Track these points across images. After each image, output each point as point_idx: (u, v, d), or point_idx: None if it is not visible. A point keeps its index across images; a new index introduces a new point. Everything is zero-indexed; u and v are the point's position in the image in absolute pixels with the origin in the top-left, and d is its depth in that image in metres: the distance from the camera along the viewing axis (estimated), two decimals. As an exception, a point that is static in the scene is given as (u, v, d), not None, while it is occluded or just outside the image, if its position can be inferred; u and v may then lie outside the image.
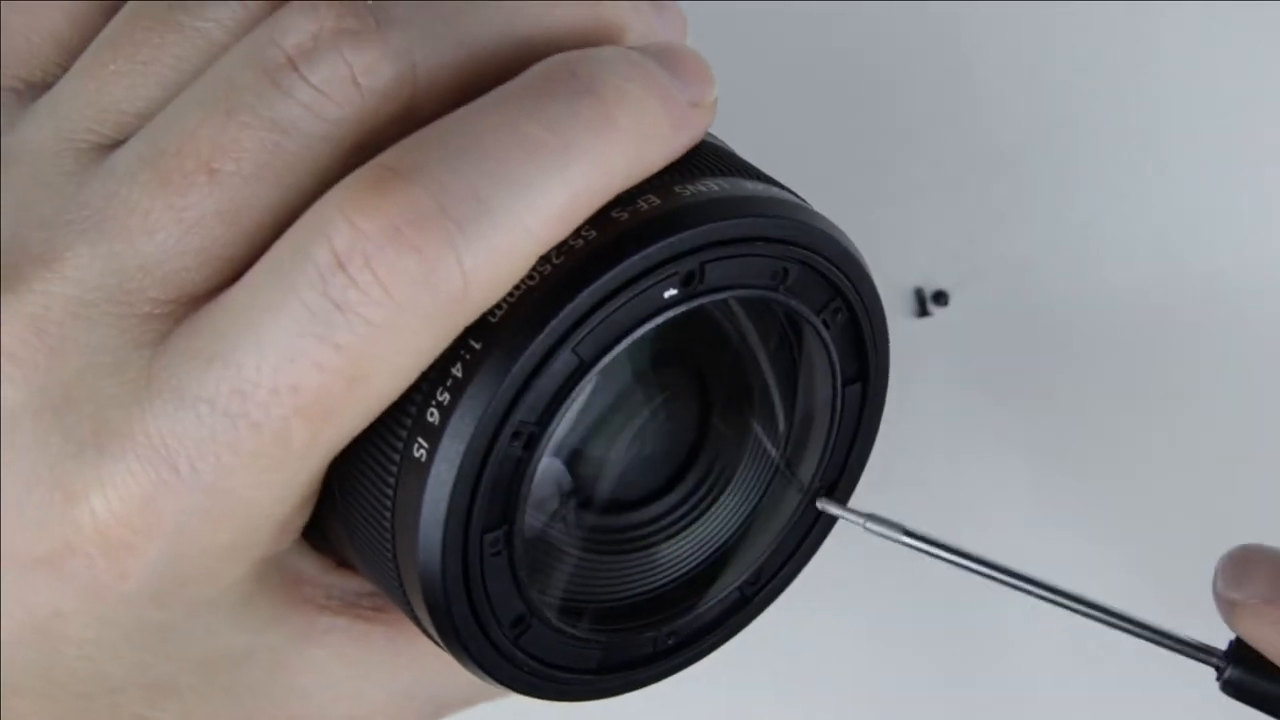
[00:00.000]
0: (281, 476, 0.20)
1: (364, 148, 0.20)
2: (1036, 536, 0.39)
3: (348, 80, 0.20)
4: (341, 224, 0.19)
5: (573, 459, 0.23)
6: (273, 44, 0.20)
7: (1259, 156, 0.43)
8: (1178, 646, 0.23)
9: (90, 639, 0.21)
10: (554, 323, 0.20)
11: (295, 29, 0.20)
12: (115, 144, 0.21)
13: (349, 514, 0.21)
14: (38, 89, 0.23)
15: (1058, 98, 0.43)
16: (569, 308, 0.20)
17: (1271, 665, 0.22)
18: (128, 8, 0.22)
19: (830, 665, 0.40)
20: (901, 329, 0.41)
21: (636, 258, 0.20)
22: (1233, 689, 0.22)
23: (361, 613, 0.25)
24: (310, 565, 0.24)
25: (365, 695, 0.25)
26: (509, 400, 0.20)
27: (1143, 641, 0.23)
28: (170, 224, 0.20)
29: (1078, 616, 0.37)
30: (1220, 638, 0.23)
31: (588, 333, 0.20)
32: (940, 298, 0.42)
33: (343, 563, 0.24)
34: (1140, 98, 0.43)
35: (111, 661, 0.22)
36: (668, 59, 0.21)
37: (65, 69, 0.23)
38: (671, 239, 0.20)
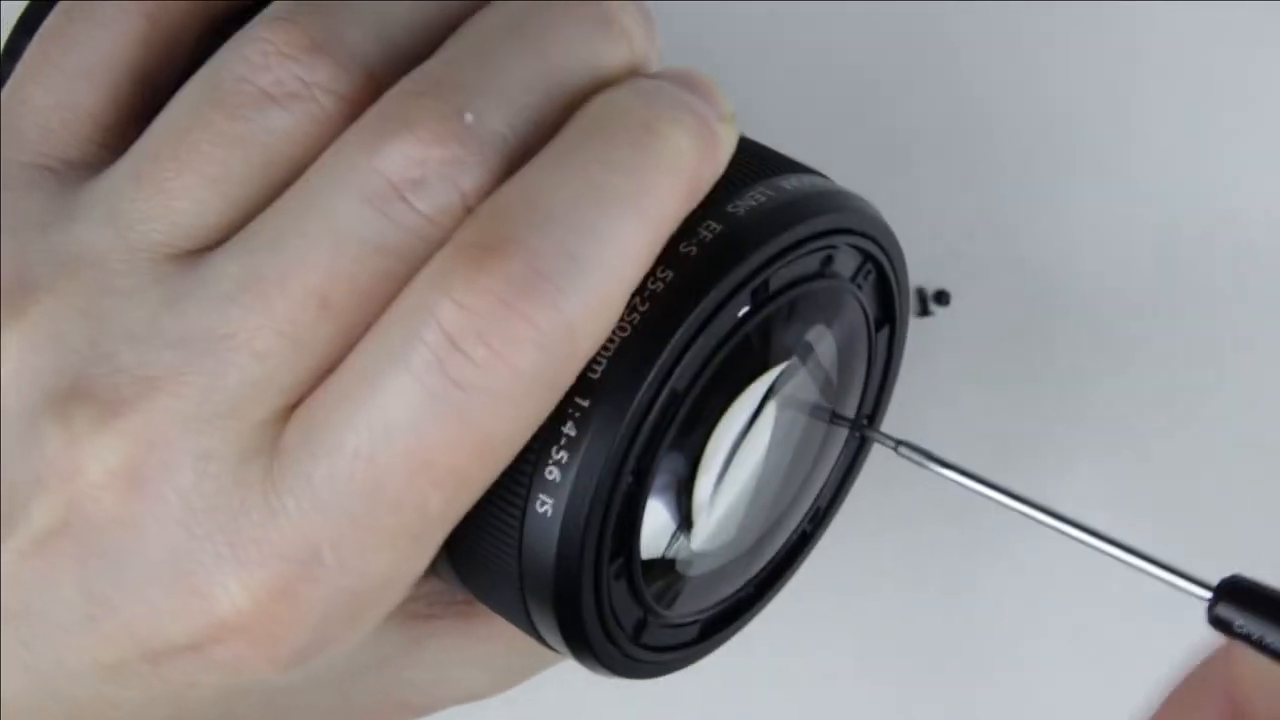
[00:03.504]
0: (420, 544, 0.21)
1: None
2: (1036, 535, 0.39)
3: (460, 208, 0.21)
4: (448, 305, 0.20)
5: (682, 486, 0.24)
6: (374, 171, 0.20)
7: (1260, 155, 0.43)
8: (1170, 577, 0.24)
9: (224, 697, 0.22)
10: (654, 372, 0.21)
11: (397, 155, 0.20)
12: (190, 253, 0.22)
13: (462, 554, 0.23)
14: (78, 168, 0.23)
15: (1058, 97, 0.43)
16: (664, 355, 0.21)
17: (1262, 603, 0.23)
18: (179, 111, 0.22)
19: (824, 661, 0.40)
20: (902, 328, 0.42)
21: (715, 292, 0.22)
22: (1221, 625, 0.23)
23: (460, 608, 0.26)
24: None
25: (468, 678, 0.27)
26: (623, 451, 0.21)
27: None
28: (282, 350, 0.21)
29: (1078, 613, 0.37)
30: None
31: (680, 368, 0.22)
32: (941, 297, 0.42)
33: (433, 572, 0.25)
34: (1141, 97, 0.43)
35: (240, 701, 0.23)
36: (687, 83, 0.22)
37: (105, 146, 0.23)
38: (742, 265, 0.22)
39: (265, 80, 0.21)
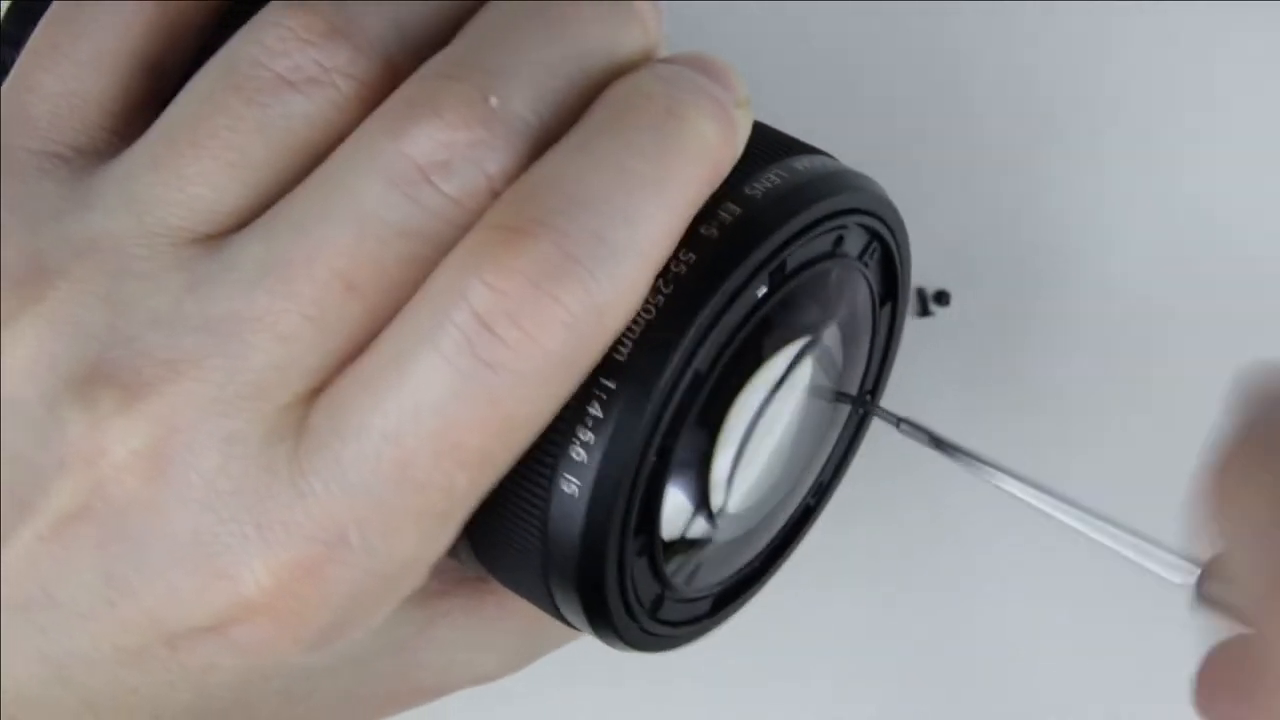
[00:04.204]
0: (445, 525, 0.22)
1: None
2: (1035, 535, 0.39)
3: (486, 191, 0.21)
4: (478, 287, 0.20)
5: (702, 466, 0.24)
6: (399, 154, 0.21)
7: (1260, 155, 0.43)
8: (1160, 555, 0.24)
9: (242, 680, 0.22)
10: (679, 353, 0.21)
11: (423, 138, 0.21)
12: (210, 237, 0.22)
13: (482, 532, 0.23)
14: (88, 155, 0.23)
15: (1058, 97, 0.44)
16: (689, 337, 0.21)
17: None
18: (195, 96, 0.22)
19: (818, 656, 0.40)
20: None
21: (736, 274, 0.22)
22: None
23: (471, 585, 0.26)
24: None
25: (478, 659, 0.27)
26: (649, 432, 0.22)
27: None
28: (307, 333, 0.21)
29: (1071, 604, 0.37)
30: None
31: (704, 349, 0.22)
32: (941, 298, 0.42)
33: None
34: (1141, 97, 0.44)
35: (256, 688, 0.23)
36: (704, 67, 0.23)
37: (115, 133, 0.23)
38: (762, 246, 0.22)
39: (283, 65, 0.21)
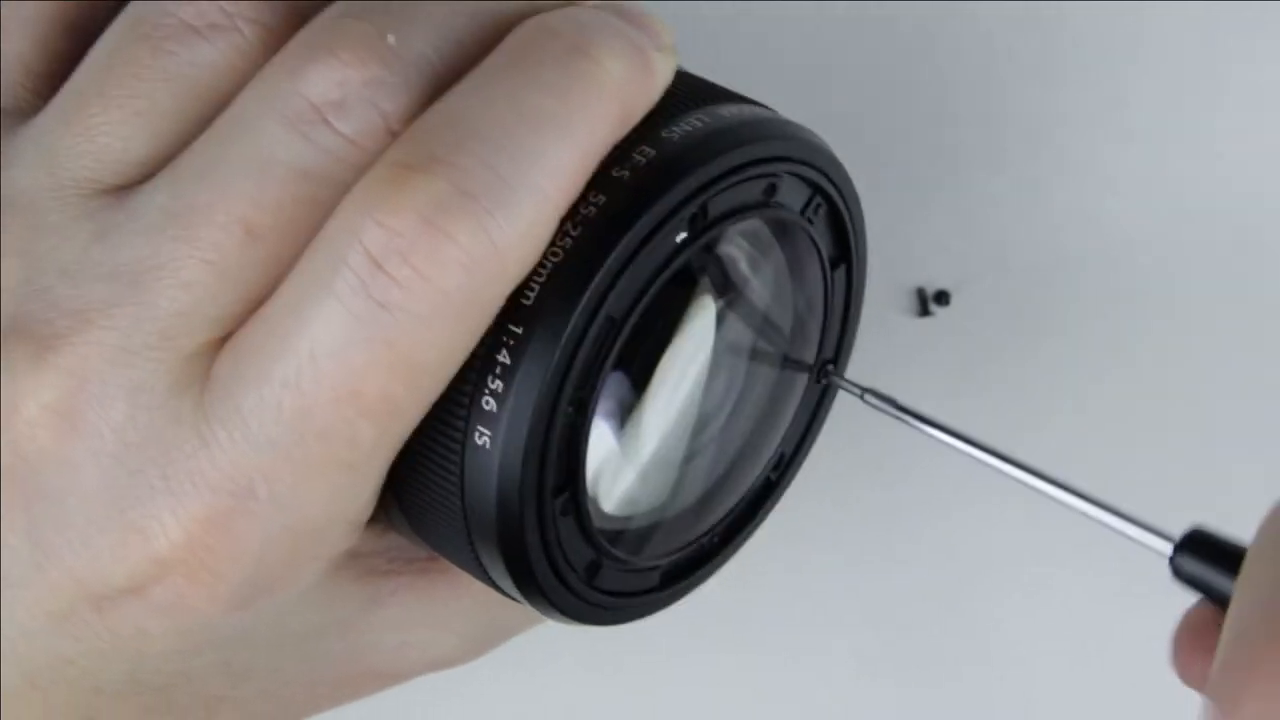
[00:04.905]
0: (355, 478, 0.21)
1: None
2: (1035, 535, 0.38)
3: (383, 130, 0.21)
4: (371, 226, 0.19)
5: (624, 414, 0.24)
6: (296, 94, 0.20)
7: (1261, 156, 0.42)
8: (1132, 528, 0.24)
9: (175, 647, 0.22)
10: (587, 297, 0.21)
11: (318, 78, 0.20)
12: (120, 188, 0.22)
13: (409, 498, 0.23)
14: (12, 115, 0.23)
15: (1059, 97, 0.43)
16: (597, 280, 0.21)
17: (1223, 556, 0.22)
18: (105, 48, 0.22)
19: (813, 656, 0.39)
20: (902, 329, 0.41)
21: (648, 216, 0.21)
22: (1183, 576, 0.23)
23: (423, 566, 0.26)
24: (367, 538, 0.24)
25: (437, 641, 0.26)
26: (559, 378, 0.21)
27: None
28: (209, 279, 0.21)
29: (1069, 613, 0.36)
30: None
31: (615, 294, 0.21)
32: (941, 297, 0.42)
33: (390, 525, 0.25)
34: (1142, 97, 0.43)
35: (194, 659, 0.23)
36: (621, 11, 0.22)
37: (37, 93, 0.24)
38: (676, 189, 0.21)
39: (187, 13, 0.21)
